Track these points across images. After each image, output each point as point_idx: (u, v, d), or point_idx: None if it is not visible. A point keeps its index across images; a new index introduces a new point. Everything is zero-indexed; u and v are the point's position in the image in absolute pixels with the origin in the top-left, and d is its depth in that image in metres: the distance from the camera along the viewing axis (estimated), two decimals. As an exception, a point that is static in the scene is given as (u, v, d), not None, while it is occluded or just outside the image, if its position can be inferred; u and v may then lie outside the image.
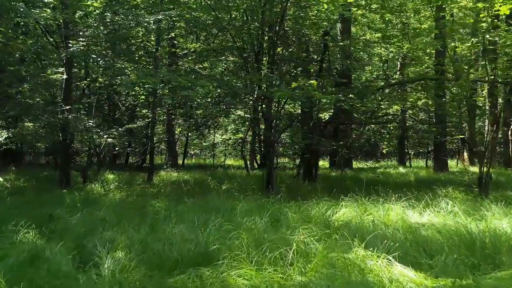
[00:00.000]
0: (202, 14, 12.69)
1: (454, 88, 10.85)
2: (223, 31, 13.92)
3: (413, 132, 19.14)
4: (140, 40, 14.39)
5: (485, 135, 16.20)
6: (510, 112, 16.30)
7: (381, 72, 19.78)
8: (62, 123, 11.32)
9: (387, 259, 3.73)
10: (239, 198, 7.78)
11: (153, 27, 12.02)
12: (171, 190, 10.42)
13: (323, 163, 20.92)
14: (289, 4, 12.10)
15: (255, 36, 12.65)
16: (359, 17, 12.86)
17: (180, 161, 21.25)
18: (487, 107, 14.71)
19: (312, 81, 7.65)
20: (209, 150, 26.54)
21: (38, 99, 13.14)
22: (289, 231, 5.03)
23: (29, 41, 13.42)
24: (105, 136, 12.04)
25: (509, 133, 17.71)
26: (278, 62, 12.69)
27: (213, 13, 11.66)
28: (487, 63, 9.56)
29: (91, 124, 11.94)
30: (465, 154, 24.43)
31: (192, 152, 27.96)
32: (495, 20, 8.82)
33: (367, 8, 12.26)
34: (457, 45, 10.99)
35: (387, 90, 12.84)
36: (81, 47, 9.90)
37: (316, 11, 13.90)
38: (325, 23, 14.06)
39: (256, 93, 11.63)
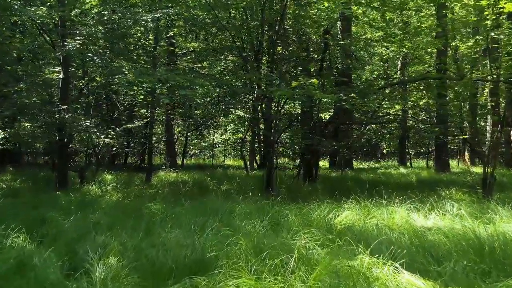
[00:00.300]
0: (201, 12, 12.49)
1: (457, 88, 10.65)
2: (222, 30, 13.74)
3: (414, 132, 18.95)
4: (137, 39, 14.18)
5: (487, 135, 16.06)
6: (512, 111, 16.11)
7: (381, 72, 19.61)
8: (59, 123, 11.14)
9: (393, 266, 3.53)
10: (238, 199, 7.59)
11: (151, 25, 11.81)
12: (169, 191, 10.23)
13: (323, 163, 20.73)
14: (289, 3, 11.91)
15: (254, 35, 12.48)
16: (360, 15, 12.66)
17: (179, 161, 21.06)
18: (488, 107, 14.52)
19: (313, 80, 7.45)
20: (209, 150, 26.36)
21: (34, 99, 12.93)
22: (290, 235, 4.84)
23: (26, 40, 13.23)
24: (102, 136, 11.86)
25: (511, 133, 17.52)
26: (278, 62, 12.50)
27: (212, 11, 11.48)
28: (490, 61, 9.39)
29: (88, 124, 11.76)
30: (466, 154, 24.28)
31: (192, 152, 27.78)
32: (500, 18, 8.62)
33: (368, 6, 12.09)
34: (459, 44, 10.82)
35: (387, 90, 12.66)
36: (77, 46, 9.69)
37: (316, 10, 13.73)
38: (325, 22, 13.90)
39: (255, 92, 11.46)
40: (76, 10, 10.76)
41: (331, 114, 14.42)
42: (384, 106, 13.07)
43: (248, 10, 12.48)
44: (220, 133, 25.36)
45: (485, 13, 8.59)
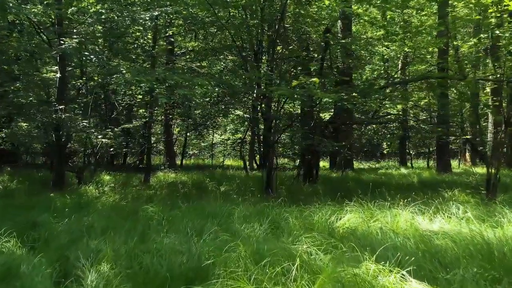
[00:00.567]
0: (199, 11, 12.32)
1: (460, 87, 10.48)
2: (222, 30, 13.57)
3: (415, 132, 18.77)
4: (135, 38, 14.01)
5: (489, 135, 15.87)
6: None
7: (382, 71, 19.44)
8: (56, 123, 10.96)
9: (400, 274, 3.35)
10: (238, 201, 7.41)
11: (149, 23, 11.63)
12: (167, 192, 10.05)
13: (323, 164, 20.54)
14: (289, 1, 11.75)
15: (254, 35, 12.31)
16: (362, 13, 12.48)
17: (178, 162, 20.89)
18: (490, 107, 14.35)
19: (314, 79, 7.28)
20: (208, 150, 26.19)
21: (31, 98, 12.75)
22: (291, 239, 4.67)
23: (23, 39, 13.04)
24: (99, 137, 11.68)
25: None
26: (278, 61, 12.33)
27: (211, 9, 11.30)
28: (493, 60, 9.22)
29: (85, 124, 11.58)
30: (467, 154, 24.11)
31: (191, 152, 27.62)
32: (505, 16, 8.45)
33: (369, 4, 11.92)
34: (460, 43, 10.65)
35: (388, 90, 12.49)
36: (74, 44, 9.51)
37: (316, 9, 13.57)
38: (325, 21, 13.75)
39: (255, 92, 11.29)
40: (73, 8, 10.56)
41: (331, 114, 14.25)
42: (387, 105, 12.90)
43: (248, 9, 12.30)
44: (219, 133, 25.20)
45: (489, 10, 8.42)
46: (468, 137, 13.07)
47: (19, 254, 4.20)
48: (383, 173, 16.91)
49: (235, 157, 25.04)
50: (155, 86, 11.56)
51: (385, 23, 12.73)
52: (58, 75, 11.39)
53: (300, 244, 4.33)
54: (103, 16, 11.18)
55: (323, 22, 13.59)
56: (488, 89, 13.13)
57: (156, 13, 10.95)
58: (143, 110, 17.14)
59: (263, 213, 5.94)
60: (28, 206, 7.18)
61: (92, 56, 10.23)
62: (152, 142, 18.54)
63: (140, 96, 16.07)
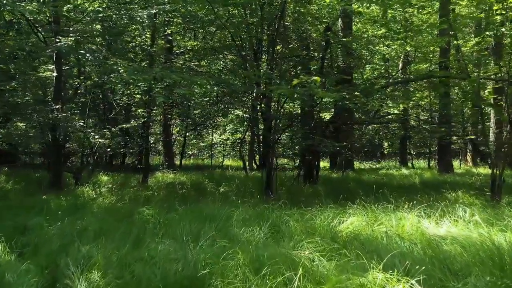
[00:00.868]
0: (198, 9, 12.11)
1: (464, 85, 10.28)
2: (221, 29, 13.37)
3: (416, 132, 18.58)
4: (133, 36, 13.80)
5: (491, 135, 15.67)
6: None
7: (383, 71, 19.25)
8: (52, 122, 10.76)
9: (409, 284, 3.15)
10: (237, 203, 7.21)
11: (147, 21, 11.43)
12: (165, 194, 9.85)
13: (324, 164, 20.34)
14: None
15: (254, 34, 12.11)
16: (363, 11, 12.29)
17: (177, 162, 20.68)
18: (494, 106, 14.16)
19: (315, 78, 7.08)
20: (207, 150, 25.98)
21: (27, 98, 12.55)
22: (292, 244, 4.46)
23: (19, 38, 12.84)
24: (96, 137, 11.48)
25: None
26: (277, 60, 12.14)
27: (209, 7, 11.10)
28: (497, 59, 9.03)
29: (81, 123, 11.39)
30: (468, 154, 23.90)
31: (190, 153, 27.42)
32: (510, 13, 8.25)
33: (371, 1, 11.72)
34: (461, 42, 10.45)
35: (389, 90, 12.30)
36: (69, 43, 9.30)
37: (316, 7, 13.39)
38: (326, 20, 13.57)
39: (255, 91, 11.09)
40: (68, 6, 10.36)
41: (332, 114, 14.05)
42: (390, 105, 12.71)
43: (247, 7, 12.10)
44: (219, 133, 25.00)
45: (495, 8, 8.21)
46: (473, 137, 12.86)
47: (7, 260, 4.00)
48: (384, 174, 16.72)
49: (235, 157, 24.84)
50: (153, 85, 11.37)
51: (386, 21, 12.55)
52: (55, 74, 11.20)
53: (302, 249, 4.13)
54: (100, 14, 10.99)
55: (323, 20, 13.39)
56: (490, 88, 12.93)
57: (154, 11, 10.75)
58: (141, 110, 16.93)
59: (263, 216, 5.73)
60: (21, 208, 6.98)
61: (88, 55, 10.01)
62: (151, 142, 18.32)
63: (139, 96, 15.88)
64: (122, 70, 10.50)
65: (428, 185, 12.28)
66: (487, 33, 8.74)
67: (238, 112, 17.29)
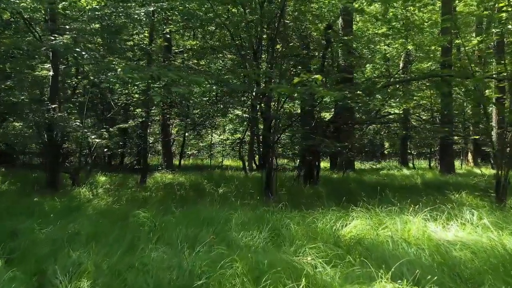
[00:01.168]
0: (197, 7, 11.91)
1: (468, 84, 10.08)
2: (220, 27, 13.17)
3: (418, 133, 18.38)
4: (131, 34, 13.60)
5: (493, 135, 15.45)
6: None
7: (383, 70, 19.06)
8: (48, 122, 10.56)
9: (419, 294, 2.95)
10: (236, 205, 7.00)
11: (144, 19, 11.22)
12: (163, 195, 9.64)
13: (324, 164, 20.14)
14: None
15: (253, 33, 11.91)
16: (365, 8, 12.11)
17: (176, 162, 20.48)
18: (498, 106, 13.96)
19: (316, 76, 6.86)
20: (207, 150, 25.78)
21: (22, 97, 12.34)
22: (293, 249, 4.26)
23: (15, 36, 12.63)
24: (93, 137, 11.27)
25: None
26: (277, 59, 11.93)
27: (208, 5, 10.89)
28: (502, 57, 8.83)
29: (78, 123, 11.18)
30: (469, 155, 23.72)
31: (189, 153, 27.23)
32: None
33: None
34: (463, 41, 10.24)
35: (389, 89, 12.09)
36: (64, 40, 9.09)
37: (317, 6, 13.19)
38: (326, 18, 13.38)
39: (254, 90, 10.89)
40: (64, 3, 10.15)
41: (332, 113, 13.85)
42: (392, 104, 12.50)
43: (247, 5, 11.89)
44: (218, 133, 24.81)
45: (500, 4, 8.02)
46: (477, 137, 12.65)
47: (-8, 267, 3.79)
48: (385, 174, 16.53)
49: (234, 157, 24.65)
50: (150, 84, 11.16)
51: (387, 19, 12.36)
52: (51, 73, 10.99)
53: (304, 255, 3.93)
54: (97, 12, 10.79)
55: (324, 18, 13.19)
56: (492, 86, 12.73)
57: (152, 8, 10.55)
58: (140, 110, 16.73)
59: (263, 219, 5.51)
60: (13, 210, 6.76)
61: (83, 53, 9.80)
62: (150, 142, 18.11)
63: (137, 95, 15.68)
64: (120, 70, 10.30)
65: (430, 185, 12.10)
66: (493, 30, 8.53)
67: (237, 111, 17.09)
